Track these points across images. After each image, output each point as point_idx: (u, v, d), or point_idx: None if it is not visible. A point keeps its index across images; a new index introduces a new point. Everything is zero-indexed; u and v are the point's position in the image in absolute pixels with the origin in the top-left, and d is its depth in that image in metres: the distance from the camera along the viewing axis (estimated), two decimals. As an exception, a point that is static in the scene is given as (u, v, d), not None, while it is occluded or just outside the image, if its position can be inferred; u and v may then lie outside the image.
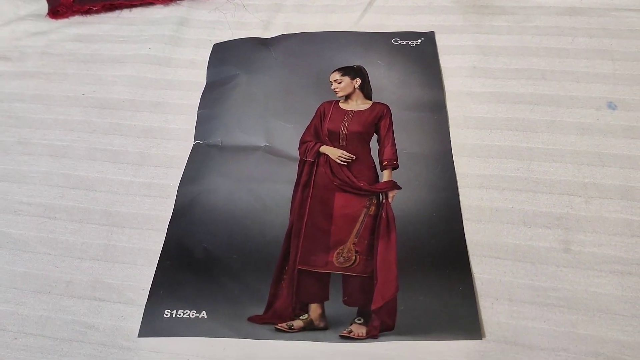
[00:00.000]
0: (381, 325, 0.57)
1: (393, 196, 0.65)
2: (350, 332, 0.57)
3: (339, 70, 0.77)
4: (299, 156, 0.70)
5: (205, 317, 0.57)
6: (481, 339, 0.55)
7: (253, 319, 0.57)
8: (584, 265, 0.59)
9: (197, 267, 0.61)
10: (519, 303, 0.57)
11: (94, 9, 0.91)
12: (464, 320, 0.56)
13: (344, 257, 0.62)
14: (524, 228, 0.62)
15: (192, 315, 0.57)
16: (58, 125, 0.78)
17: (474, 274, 0.59)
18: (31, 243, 0.66)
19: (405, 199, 0.65)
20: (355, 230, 0.63)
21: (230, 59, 0.82)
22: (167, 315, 0.58)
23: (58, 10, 0.92)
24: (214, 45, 0.85)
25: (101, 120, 0.78)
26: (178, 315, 0.58)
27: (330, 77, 0.77)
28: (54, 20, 0.93)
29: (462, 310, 0.57)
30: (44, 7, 0.94)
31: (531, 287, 0.58)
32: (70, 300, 0.61)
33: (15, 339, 0.59)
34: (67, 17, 0.93)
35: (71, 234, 0.66)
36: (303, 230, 0.64)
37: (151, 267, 0.62)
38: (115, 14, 0.93)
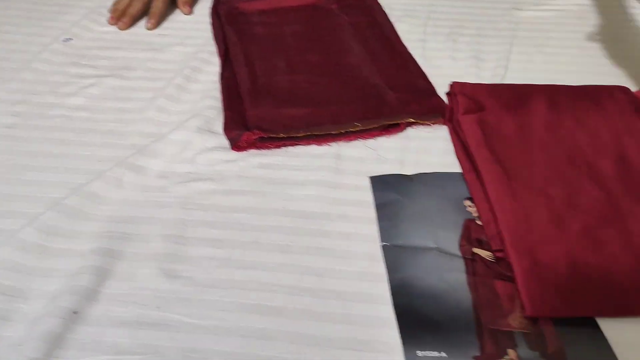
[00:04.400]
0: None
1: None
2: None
3: (468, 198, 1.12)
4: (461, 254, 1.03)
5: (445, 355, 0.86)
6: None
7: (477, 358, 0.87)
8: None
9: (426, 323, 0.91)
10: None
11: (271, 147, 1.24)
12: None
13: (519, 321, 0.92)
14: None
15: (436, 355, 0.86)
16: (274, 230, 1.07)
17: None
18: None
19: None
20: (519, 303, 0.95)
21: (388, 188, 1.16)
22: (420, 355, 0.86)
23: (240, 146, 1.24)
24: (371, 177, 1.19)
25: (305, 227, 1.08)
26: (427, 355, 0.86)
27: (464, 203, 1.12)
28: (236, 152, 1.24)
29: None
30: (225, 142, 1.26)
31: None
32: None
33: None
34: (246, 150, 1.24)
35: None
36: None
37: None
38: (282, 150, 1.26)
